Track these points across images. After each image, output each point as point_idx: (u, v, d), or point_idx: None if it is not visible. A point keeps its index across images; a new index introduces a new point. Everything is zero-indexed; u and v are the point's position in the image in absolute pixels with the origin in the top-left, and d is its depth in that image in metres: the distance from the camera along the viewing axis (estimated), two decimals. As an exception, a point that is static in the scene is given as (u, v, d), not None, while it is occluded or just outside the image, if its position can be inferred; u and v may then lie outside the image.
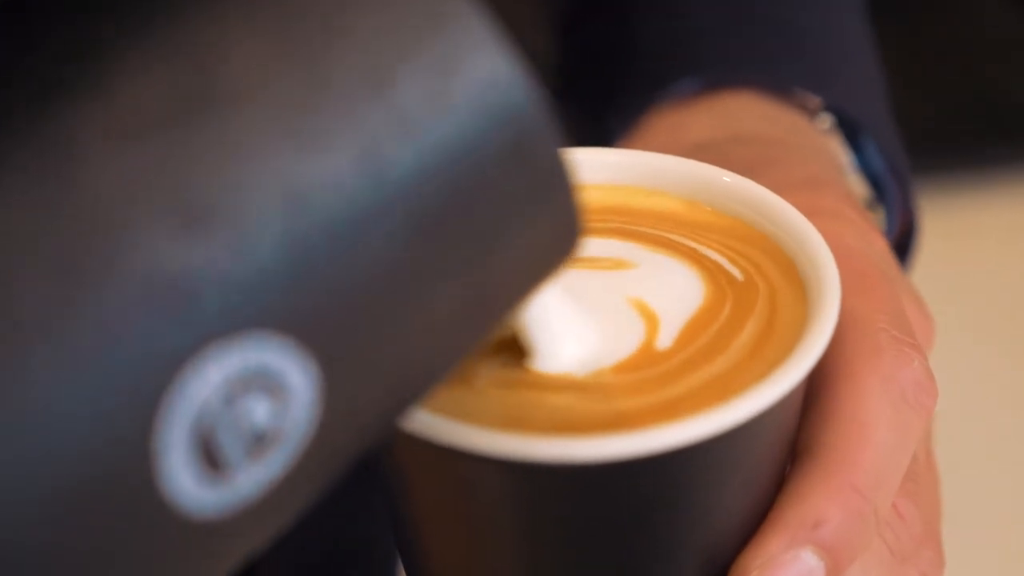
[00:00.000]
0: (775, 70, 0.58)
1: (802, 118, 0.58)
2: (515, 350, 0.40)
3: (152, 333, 0.30)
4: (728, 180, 0.45)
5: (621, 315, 0.41)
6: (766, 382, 0.38)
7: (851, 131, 0.59)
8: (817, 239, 0.42)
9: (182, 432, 0.30)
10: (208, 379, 0.30)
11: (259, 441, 0.31)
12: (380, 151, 0.32)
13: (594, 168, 0.46)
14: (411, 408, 0.35)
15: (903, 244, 0.60)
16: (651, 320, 0.41)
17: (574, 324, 0.40)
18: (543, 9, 0.73)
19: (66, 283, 0.29)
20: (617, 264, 0.43)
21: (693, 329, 0.40)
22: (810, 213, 0.47)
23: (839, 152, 0.59)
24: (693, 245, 0.44)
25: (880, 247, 0.48)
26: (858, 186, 0.59)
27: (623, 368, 0.39)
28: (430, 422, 0.37)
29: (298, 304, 0.31)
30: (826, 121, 0.59)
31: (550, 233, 0.35)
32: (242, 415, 0.31)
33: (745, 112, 0.57)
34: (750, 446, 0.38)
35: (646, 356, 0.40)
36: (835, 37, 0.63)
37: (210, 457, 0.31)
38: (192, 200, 0.30)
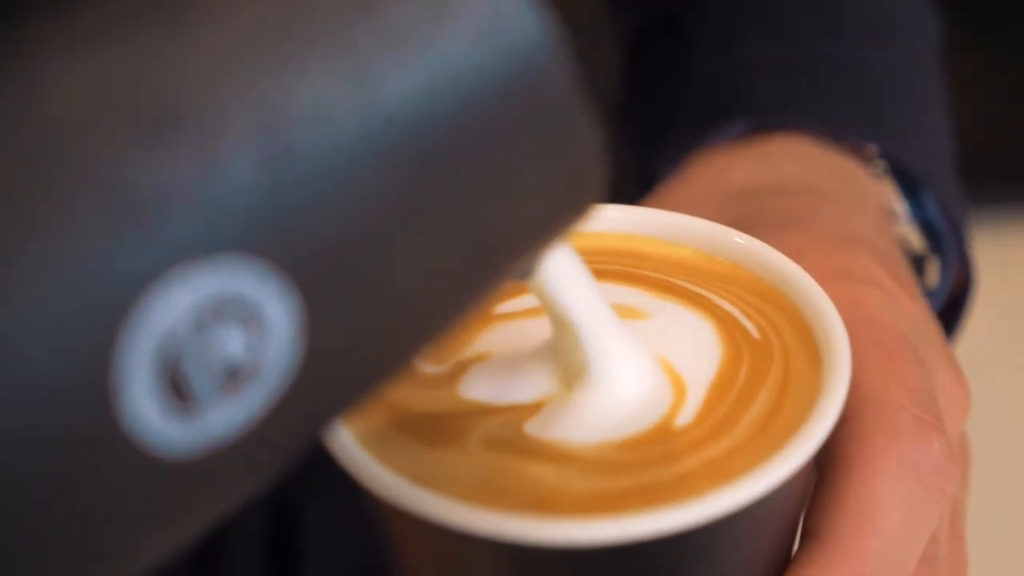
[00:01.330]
0: (829, 115, 0.57)
1: (853, 164, 0.56)
2: (515, 412, 0.39)
3: (112, 250, 0.27)
4: (741, 242, 0.43)
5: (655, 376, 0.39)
6: (760, 470, 0.36)
7: (909, 177, 0.57)
8: (832, 314, 0.40)
9: (145, 360, 0.27)
10: (174, 304, 0.27)
11: (232, 376, 0.28)
12: (369, 70, 0.29)
13: (601, 220, 0.44)
14: (407, 358, 0.32)
15: (958, 298, 0.58)
16: (679, 386, 0.39)
17: (633, 353, 0.39)
18: (612, 32, 0.72)
19: (16, 194, 0.27)
20: (628, 312, 0.41)
21: (713, 399, 0.39)
22: (838, 276, 0.45)
23: (892, 200, 0.57)
24: (705, 294, 0.42)
25: (911, 315, 0.46)
26: (912, 236, 0.57)
27: (629, 445, 0.37)
28: (405, 490, 0.36)
29: (277, 229, 0.28)
30: (881, 167, 0.57)
31: (561, 179, 0.32)
32: (213, 346, 0.28)
33: (791, 158, 0.55)
34: (741, 533, 0.37)
35: (662, 432, 0.38)
36: (898, 79, 0.61)
37: (177, 389, 0.28)
38: (161, 108, 0.27)
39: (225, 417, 0.29)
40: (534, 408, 0.39)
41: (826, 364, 0.39)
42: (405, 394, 0.39)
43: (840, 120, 0.56)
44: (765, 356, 0.40)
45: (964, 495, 0.46)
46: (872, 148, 0.56)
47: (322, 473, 0.73)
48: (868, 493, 0.39)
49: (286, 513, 0.72)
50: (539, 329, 0.40)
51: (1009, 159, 1.54)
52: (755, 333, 0.40)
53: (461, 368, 0.40)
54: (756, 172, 0.54)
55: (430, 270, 0.31)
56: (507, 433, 0.38)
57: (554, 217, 0.32)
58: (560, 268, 0.37)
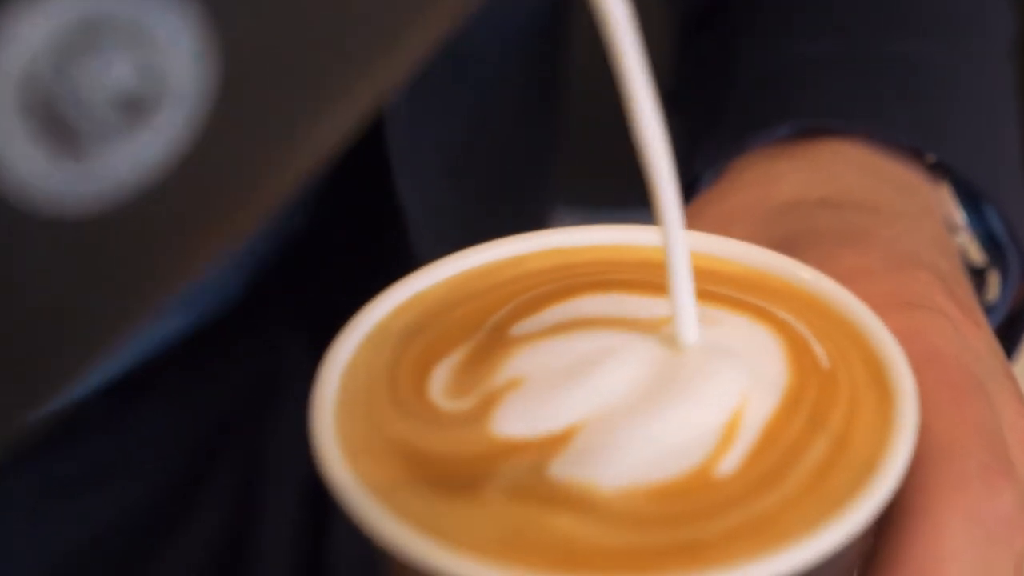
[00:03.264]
0: (884, 121, 0.53)
1: (910, 172, 0.52)
2: (544, 446, 0.35)
3: None
4: (808, 278, 0.39)
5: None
6: (817, 531, 0.32)
7: (970, 187, 0.53)
8: (901, 356, 0.36)
9: (7, 104, 0.23)
10: (27, 36, 0.23)
11: (130, 108, 0.24)
12: None
13: (636, 238, 0.40)
14: (371, 81, 0.26)
15: (1019, 314, 0.54)
16: (732, 424, 0.35)
17: None
18: (669, 11, 0.69)
19: None
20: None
21: (764, 443, 0.34)
22: (898, 303, 0.41)
23: (951, 211, 0.53)
24: (768, 307, 0.38)
25: (976, 345, 0.42)
26: (972, 248, 0.53)
27: (661, 493, 0.33)
28: (416, 544, 0.32)
29: None
30: (940, 176, 0.53)
31: None
32: (91, 77, 0.23)
33: (844, 166, 0.51)
34: None
35: (698, 481, 0.34)
36: (962, 80, 0.57)
37: (60, 131, 0.23)
38: None
39: (131, 155, 0.24)
40: (565, 437, 0.35)
41: (894, 409, 0.35)
42: (422, 434, 0.35)
43: (897, 127, 0.53)
44: (831, 391, 0.36)
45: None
46: (931, 156, 0.53)
47: None
48: (932, 552, 0.35)
49: (316, 491, 0.70)
50: (572, 347, 0.37)
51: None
52: (825, 363, 0.36)
53: (489, 401, 0.36)
54: (806, 183, 0.50)
55: None
56: (530, 476, 0.34)
57: None
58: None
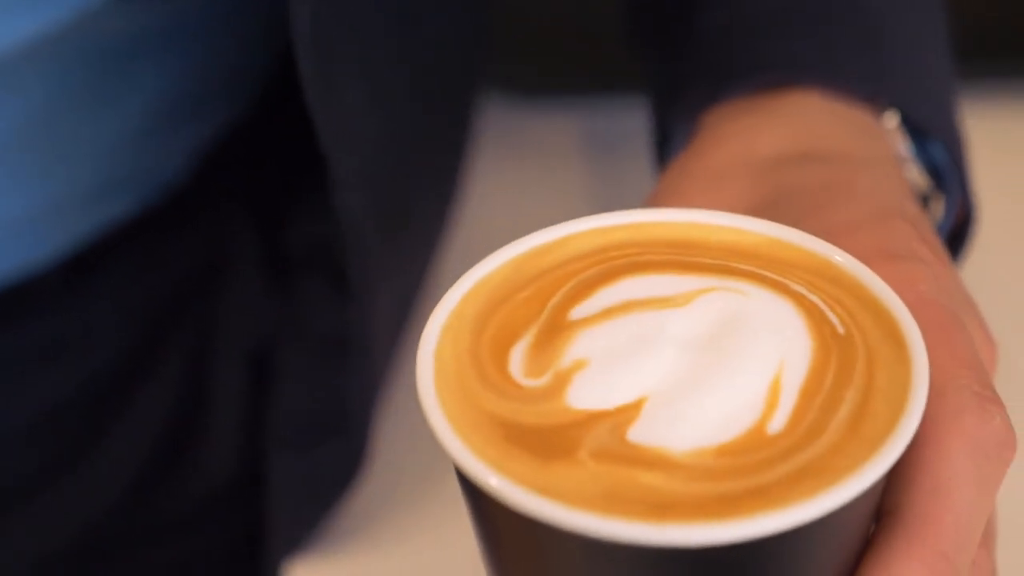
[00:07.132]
0: (843, 70, 0.58)
1: (866, 116, 0.58)
2: (619, 416, 0.41)
3: None
4: (819, 249, 0.46)
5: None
6: (862, 469, 0.39)
7: (915, 123, 0.59)
8: (905, 311, 0.43)
9: None
10: None
11: None
12: None
13: (652, 214, 0.47)
14: None
15: (960, 231, 0.61)
16: (774, 389, 0.41)
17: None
18: None
19: None
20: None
21: (803, 403, 0.41)
22: (885, 256, 0.47)
23: (901, 146, 0.59)
24: (785, 281, 0.44)
25: (947, 282, 0.49)
26: (919, 178, 0.59)
27: (726, 451, 0.40)
28: (525, 498, 0.39)
29: None
30: (891, 117, 0.59)
31: None
32: None
33: (813, 115, 0.56)
34: (842, 525, 0.40)
35: (755, 439, 0.40)
36: (900, 22, 0.62)
37: None
38: None
39: None
40: (635, 407, 0.41)
41: (908, 358, 0.42)
42: (512, 409, 0.42)
43: (853, 75, 0.58)
44: (850, 354, 0.42)
45: None
46: (881, 99, 0.58)
47: (295, 322, 0.76)
48: (941, 474, 0.42)
49: (260, 360, 0.75)
50: (626, 328, 0.43)
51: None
52: (840, 329, 0.43)
53: (563, 379, 0.42)
54: (784, 135, 0.55)
55: None
56: (612, 441, 0.41)
57: None
58: None
